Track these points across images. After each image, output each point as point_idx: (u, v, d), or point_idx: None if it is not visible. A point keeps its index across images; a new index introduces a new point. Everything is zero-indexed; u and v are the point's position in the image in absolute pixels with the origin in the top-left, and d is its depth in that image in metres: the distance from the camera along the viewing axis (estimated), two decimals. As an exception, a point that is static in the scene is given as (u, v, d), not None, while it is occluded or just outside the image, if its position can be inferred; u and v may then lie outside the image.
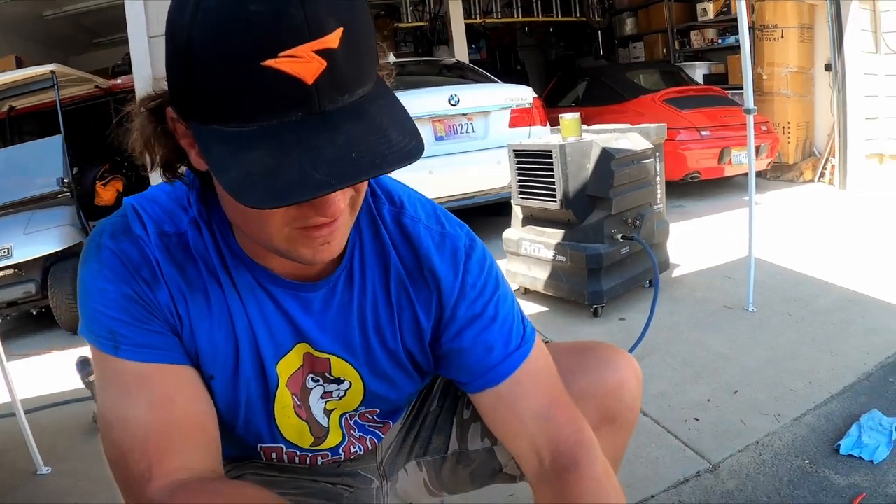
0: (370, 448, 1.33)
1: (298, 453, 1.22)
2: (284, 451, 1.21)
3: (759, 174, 8.08)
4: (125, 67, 7.66)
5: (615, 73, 9.20)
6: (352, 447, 1.28)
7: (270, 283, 1.06)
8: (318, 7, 0.74)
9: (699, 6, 10.22)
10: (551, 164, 3.83)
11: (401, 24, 10.76)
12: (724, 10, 9.70)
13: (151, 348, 0.98)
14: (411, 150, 0.80)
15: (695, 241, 5.32)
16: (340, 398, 1.20)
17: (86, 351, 2.42)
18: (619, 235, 3.81)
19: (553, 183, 3.83)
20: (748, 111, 3.75)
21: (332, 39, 0.75)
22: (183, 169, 1.00)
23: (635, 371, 1.32)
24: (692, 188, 7.66)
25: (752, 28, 8.59)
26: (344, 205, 0.89)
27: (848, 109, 7.41)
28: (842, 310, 3.78)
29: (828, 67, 7.88)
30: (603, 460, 1.10)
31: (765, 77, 8.37)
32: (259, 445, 1.19)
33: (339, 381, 1.17)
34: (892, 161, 7.53)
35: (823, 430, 2.52)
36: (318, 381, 1.16)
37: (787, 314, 3.75)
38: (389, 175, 0.89)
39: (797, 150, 8.31)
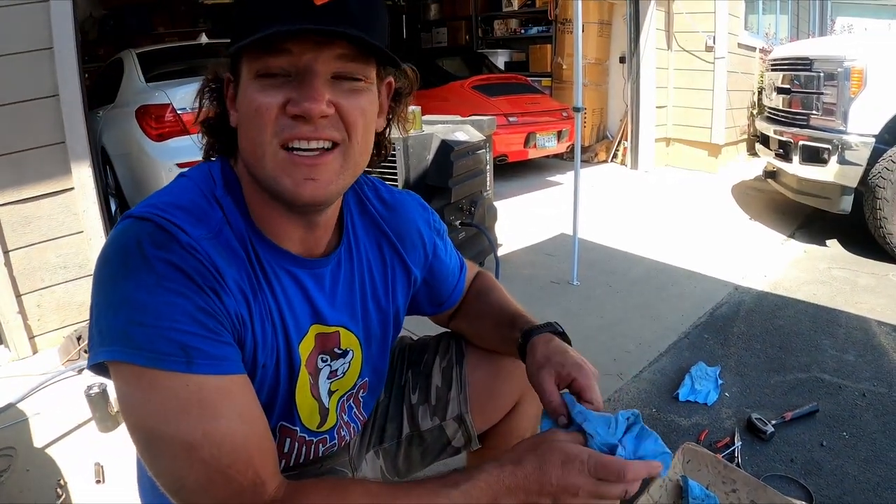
0: (352, 436, 1.37)
1: (307, 438, 1.23)
2: (297, 434, 1.21)
3: (558, 156, 8.67)
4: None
5: (425, 59, 9.33)
6: (342, 430, 1.31)
7: (292, 264, 1.11)
8: None
9: (504, -4, 10.57)
10: (394, 156, 3.91)
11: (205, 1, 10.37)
12: (529, 2, 10.17)
13: (227, 360, 0.94)
14: (375, 46, 0.96)
15: (511, 222, 5.60)
16: (344, 374, 1.26)
17: None
18: (458, 222, 4.00)
19: (395, 173, 3.94)
20: (577, 109, 4.07)
21: None
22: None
23: None
24: (499, 171, 7.95)
25: (554, 21, 9.17)
26: (324, 105, 0.95)
27: (641, 98, 8.07)
28: (653, 279, 4.26)
29: (622, 60, 8.53)
30: None
31: (564, 67, 8.97)
32: (280, 424, 1.18)
33: (344, 354, 1.24)
34: (678, 144, 8.36)
35: (660, 383, 2.90)
36: (326, 360, 1.21)
37: (607, 285, 4.15)
38: None
39: (592, 134, 8.94)
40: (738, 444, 2.42)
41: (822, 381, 2.88)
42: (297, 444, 1.22)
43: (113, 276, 0.92)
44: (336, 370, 1.25)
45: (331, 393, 1.25)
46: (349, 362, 1.27)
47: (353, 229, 1.24)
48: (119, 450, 2.46)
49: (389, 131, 1.24)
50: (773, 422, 2.51)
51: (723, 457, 2.12)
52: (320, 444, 1.27)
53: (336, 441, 1.30)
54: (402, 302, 1.35)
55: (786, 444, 2.44)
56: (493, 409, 1.52)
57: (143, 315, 0.88)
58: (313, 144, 0.98)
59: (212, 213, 1.02)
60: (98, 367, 0.94)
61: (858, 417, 2.60)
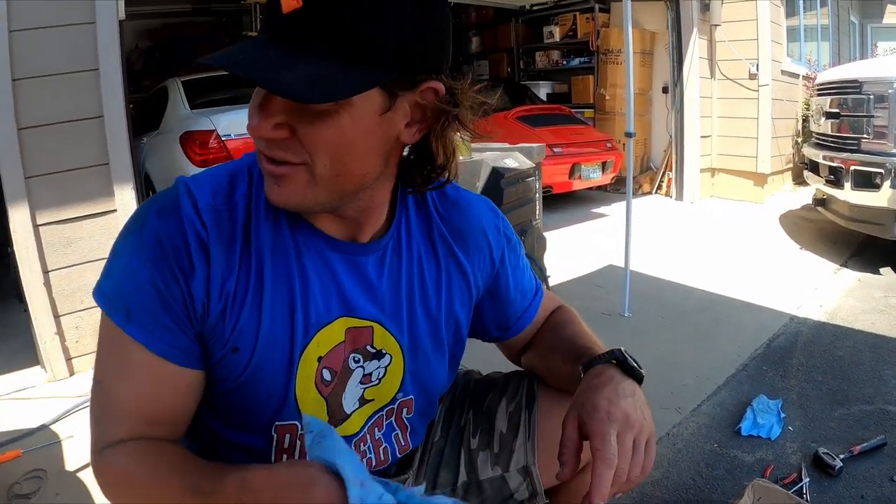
0: (382, 460, 1.24)
1: None
2: (298, 431, 1.12)
3: (601, 188, 8.64)
4: None
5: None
6: (363, 445, 1.20)
7: (324, 246, 1.07)
8: None
9: (545, 29, 10.59)
10: None
11: (249, 34, 10.55)
12: (570, 33, 10.13)
13: (157, 340, 0.97)
14: (293, 91, 0.84)
15: (559, 253, 5.54)
16: (380, 379, 1.17)
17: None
18: None
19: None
20: (629, 135, 4.12)
21: None
22: None
23: None
24: (543, 202, 7.91)
25: (596, 52, 9.17)
26: (270, 128, 0.90)
27: (685, 128, 8.02)
28: (706, 310, 4.18)
29: (664, 90, 8.53)
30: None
31: (607, 97, 8.96)
32: (276, 424, 1.11)
33: (379, 356, 1.15)
34: (722, 174, 8.27)
35: (720, 416, 2.83)
36: (359, 360, 1.14)
37: (660, 317, 4.09)
38: None
39: (636, 165, 8.88)
40: (805, 479, 2.34)
41: (888, 413, 2.79)
42: (297, 440, 1.14)
43: (123, 229, 1.03)
44: (370, 374, 1.16)
45: (364, 401, 1.17)
46: (385, 368, 1.17)
47: (405, 223, 1.17)
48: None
49: (444, 142, 1.07)
50: (841, 456, 2.44)
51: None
52: None
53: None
54: (461, 313, 1.24)
55: (855, 480, 2.36)
56: None
57: (115, 269, 1.01)
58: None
59: (239, 187, 1.05)
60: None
61: (929, 451, 2.51)
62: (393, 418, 1.24)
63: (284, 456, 1.14)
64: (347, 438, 1.17)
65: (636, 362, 1.13)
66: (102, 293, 1.00)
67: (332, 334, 1.09)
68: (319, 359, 1.09)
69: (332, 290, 1.08)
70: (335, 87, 0.86)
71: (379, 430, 1.22)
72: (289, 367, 1.06)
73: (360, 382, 1.15)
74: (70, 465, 2.58)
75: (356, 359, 1.13)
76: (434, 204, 1.22)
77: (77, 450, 2.67)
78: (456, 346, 1.28)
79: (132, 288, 0.97)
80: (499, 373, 1.51)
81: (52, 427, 2.88)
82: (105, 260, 1.02)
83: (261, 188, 1.03)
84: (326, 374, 1.11)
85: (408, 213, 1.18)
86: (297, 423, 1.11)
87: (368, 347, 1.14)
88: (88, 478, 2.48)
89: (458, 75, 1.02)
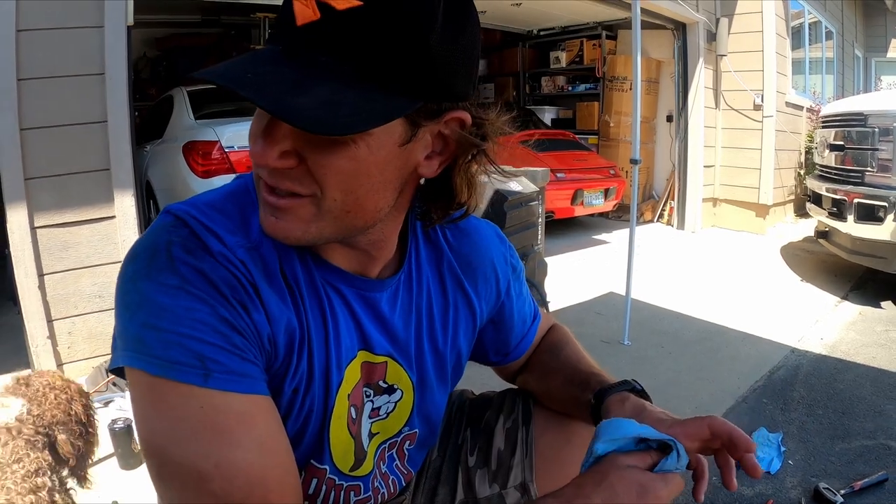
0: (392, 492, 1.22)
1: (337, 481, 1.10)
2: (327, 475, 1.08)
3: (603, 215, 8.63)
4: None
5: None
6: (375, 481, 1.17)
7: (341, 281, 0.99)
8: None
9: (552, 54, 10.63)
10: None
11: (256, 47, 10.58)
12: (577, 59, 10.16)
13: (250, 378, 0.84)
14: (308, 119, 0.73)
15: (560, 279, 5.53)
16: (388, 414, 1.14)
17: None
18: None
19: None
20: (634, 161, 4.05)
21: (342, 3, 0.75)
22: None
23: None
24: (545, 227, 7.94)
25: (602, 79, 9.21)
26: (275, 157, 0.80)
27: (689, 157, 8.05)
28: (706, 340, 4.15)
29: (669, 118, 8.56)
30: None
31: (612, 124, 8.99)
32: (310, 462, 1.05)
33: (391, 391, 1.12)
34: (724, 204, 8.27)
35: (720, 448, 2.78)
36: (369, 395, 1.09)
37: (659, 346, 4.06)
38: None
39: (638, 193, 8.79)
40: (805, 514, 2.30)
41: (890, 448, 2.76)
42: (324, 485, 1.08)
43: (136, 273, 0.84)
44: (378, 408, 1.12)
45: (371, 435, 1.13)
46: (395, 403, 1.14)
47: (415, 257, 1.11)
48: (140, 489, 2.41)
49: (468, 178, 0.99)
50: (842, 491, 2.40)
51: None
52: (351, 491, 1.12)
53: (370, 493, 1.15)
54: (464, 346, 1.21)
55: (856, 516, 2.32)
56: (562, 479, 1.23)
57: (160, 318, 0.80)
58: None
59: (254, 222, 0.91)
60: (119, 371, 0.86)
61: (931, 488, 2.47)
62: (395, 450, 1.21)
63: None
64: (364, 478, 1.14)
65: (647, 392, 1.14)
66: (147, 353, 0.80)
67: (355, 370, 1.05)
68: (348, 396, 1.05)
69: (353, 326, 1.03)
70: (358, 117, 0.76)
71: (383, 464, 1.20)
72: (325, 407, 1.01)
73: (369, 416, 1.12)
74: (57, 474, 2.52)
75: (367, 393, 1.10)
76: (444, 234, 1.16)
77: (65, 458, 2.62)
78: (455, 378, 1.25)
79: (195, 332, 0.81)
80: (493, 391, 1.49)
81: (41, 433, 2.82)
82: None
83: None
84: (353, 412, 1.07)
85: (418, 245, 1.13)
86: (326, 467, 1.07)
87: (381, 382, 1.11)
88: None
89: (485, 104, 0.94)
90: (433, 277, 1.14)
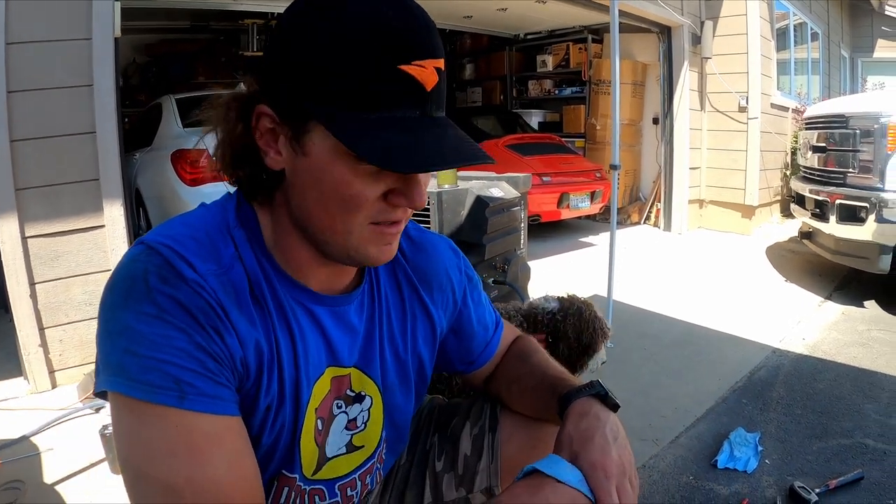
0: (361, 495, 1.26)
1: (303, 487, 1.15)
2: (296, 483, 1.14)
3: (590, 217, 8.67)
4: None
5: (461, 117, 9.39)
6: (350, 489, 1.23)
7: (310, 300, 1.07)
8: (436, 35, 0.93)
9: (539, 58, 10.69)
10: (427, 210, 3.89)
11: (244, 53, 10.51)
12: (563, 63, 10.23)
13: (221, 400, 0.90)
14: (486, 156, 0.94)
15: (544, 282, 5.51)
16: (365, 424, 1.19)
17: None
18: (490, 280, 3.95)
19: (428, 229, 3.91)
20: (614, 167, 4.11)
21: (442, 63, 0.93)
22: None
23: None
24: (531, 231, 7.94)
25: (588, 82, 9.27)
26: (425, 197, 0.98)
27: (675, 159, 8.10)
28: (688, 343, 4.20)
29: (655, 121, 8.62)
30: None
31: (598, 127, 9.03)
32: (280, 471, 1.11)
33: (360, 398, 1.18)
34: (711, 206, 8.34)
35: (698, 448, 2.84)
36: (341, 406, 1.15)
37: (642, 348, 4.10)
38: None
39: (624, 195, 8.95)
40: (780, 512, 2.36)
41: (867, 446, 2.82)
42: (293, 493, 1.14)
43: (115, 303, 0.89)
44: (354, 419, 1.18)
45: (353, 447, 1.19)
46: (368, 411, 1.20)
47: (374, 269, 1.21)
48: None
49: None
50: (817, 490, 2.45)
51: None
52: (315, 496, 1.18)
53: (339, 497, 1.21)
54: (425, 353, 1.28)
55: (830, 514, 2.38)
56: None
57: (139, 345, 0.86)
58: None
59: (224, 249, 0.99)
60: (103, 395, 0.91)
61: (905, 485, 2.53)
62: (382, 463, 1.28)
63: None
64: (332, 481, 1.19)
65: (612, 394, 1.16)
66: (127, 378, 0.86)
67: (323, 385, 1.11)
68: (315, 410, 1.11)
69: (322, 343, 1.10)
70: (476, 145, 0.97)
71: (369, 476, 1.25)
72: (295, 422, 1.07)
73: (346, 428, 1.17)
74: (48, 478, 2.57)
75: (339, 405, 1.15)
76: (400, 248, 1.24)
77: (56, 462, 2.67)
78: (420, 385, 1.30)
79: (173, 357, 0.87)
80: (462, 398, 1.55)
81: (33, 439, 2.88)
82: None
83: (247, 249, 1.01)
84: (319, 424, 1.13)
85: None
86: (296, 476, 1.13)
87: (348, 392, 1.16)
88: (66, 490, 2.48)
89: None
90: (391, 288, 1.23)
